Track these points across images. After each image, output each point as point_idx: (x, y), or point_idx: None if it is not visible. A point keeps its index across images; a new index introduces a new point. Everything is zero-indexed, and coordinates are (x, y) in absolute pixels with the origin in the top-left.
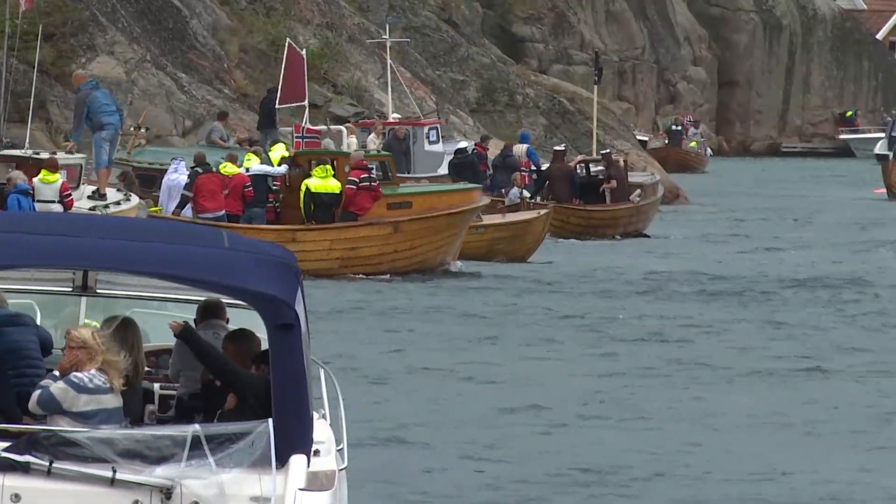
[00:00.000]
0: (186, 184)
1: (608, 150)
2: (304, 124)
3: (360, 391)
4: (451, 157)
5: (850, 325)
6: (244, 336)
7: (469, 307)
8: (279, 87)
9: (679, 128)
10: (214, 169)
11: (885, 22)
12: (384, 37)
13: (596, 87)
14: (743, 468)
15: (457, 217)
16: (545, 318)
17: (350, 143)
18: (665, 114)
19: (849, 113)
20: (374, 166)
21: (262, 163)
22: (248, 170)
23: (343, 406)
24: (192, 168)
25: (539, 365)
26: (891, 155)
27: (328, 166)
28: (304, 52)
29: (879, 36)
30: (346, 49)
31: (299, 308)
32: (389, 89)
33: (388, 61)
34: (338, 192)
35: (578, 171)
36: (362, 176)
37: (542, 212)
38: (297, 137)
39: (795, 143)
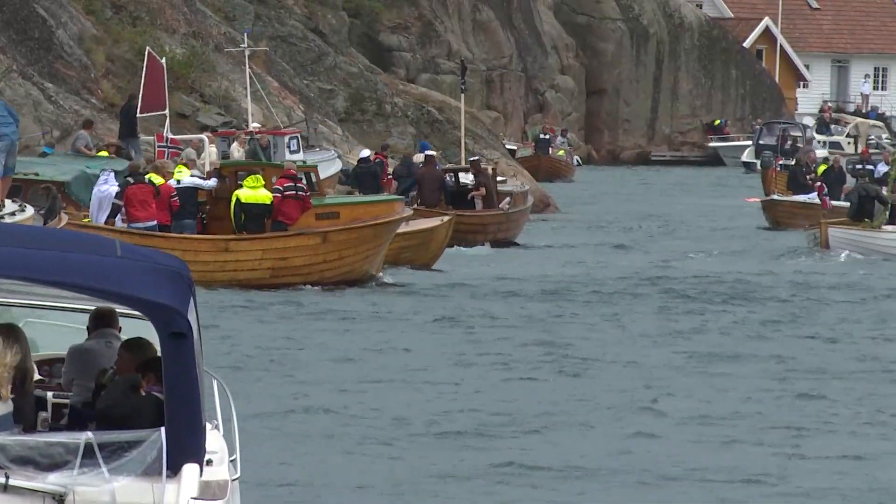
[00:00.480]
0: (118, 193)
1: (476, 158)
2: (166, 133)
3: (255, 401)
4: (354, 166)
5: (734, 329)
6: (139, 345)
7: (381, 315)
8: (139, 95)
9: (547, 136)
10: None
11: (751, 30)
12: (242, 46)
13: (463, 95)
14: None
15: (382, 228)
16: (455, 326)
17: (211, 152)
18: (534, 122)
19: (717, 121)
20: (302, 176)
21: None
22: (178, 182)
23: (236, 416)
24: (124, 178)
25: (443, 371)
26: (758, 163)
27: (259, 176)
28: (163, 60)
29: (746, 44)
30: (214, 58)
31: (192, 317)
32: (249, 99)
33: (248, 71)
34: (269, 202)
35: (448, 178)
36: (287, 185)
37: (445, 219)
38: (159, 147)
39: (665, 152)
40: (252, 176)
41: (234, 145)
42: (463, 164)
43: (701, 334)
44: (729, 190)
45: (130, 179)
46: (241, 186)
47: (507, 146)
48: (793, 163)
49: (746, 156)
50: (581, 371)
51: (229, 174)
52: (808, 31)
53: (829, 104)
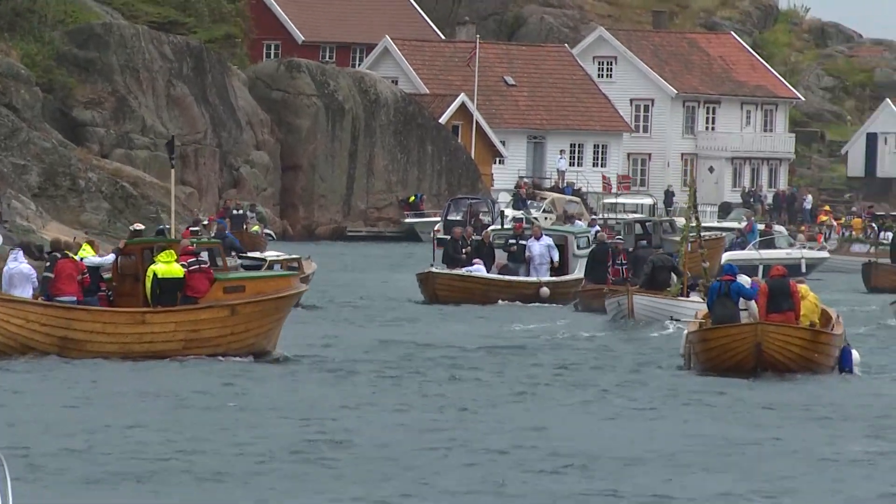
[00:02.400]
0: (48, 266)
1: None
2: None
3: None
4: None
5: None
6: None
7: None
8: None
9: (241, 212)
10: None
11: (447, 106)
12: None
13: (172, 171)
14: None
15: (284, 301)
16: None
17: None
18: (228, 198)
19: (412, 198)
20: (203, 252)
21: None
22: (83, 259)
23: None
24: (49, 253)
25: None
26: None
27: (172, 251)
28: None
29: (442, 120)
30: None
31: None
32: None
33: None
34: (181, 276)
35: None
36: (190, 260)
37: None
38: None
39: (360, 227)
40: (165, 251)
41: None
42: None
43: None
44: (417, 263)
45: (58, 254)
46: (153, 262)
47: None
48: (448, 238)
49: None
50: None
51: (135, 251)
52: (504, 107)
53: (526, 180)
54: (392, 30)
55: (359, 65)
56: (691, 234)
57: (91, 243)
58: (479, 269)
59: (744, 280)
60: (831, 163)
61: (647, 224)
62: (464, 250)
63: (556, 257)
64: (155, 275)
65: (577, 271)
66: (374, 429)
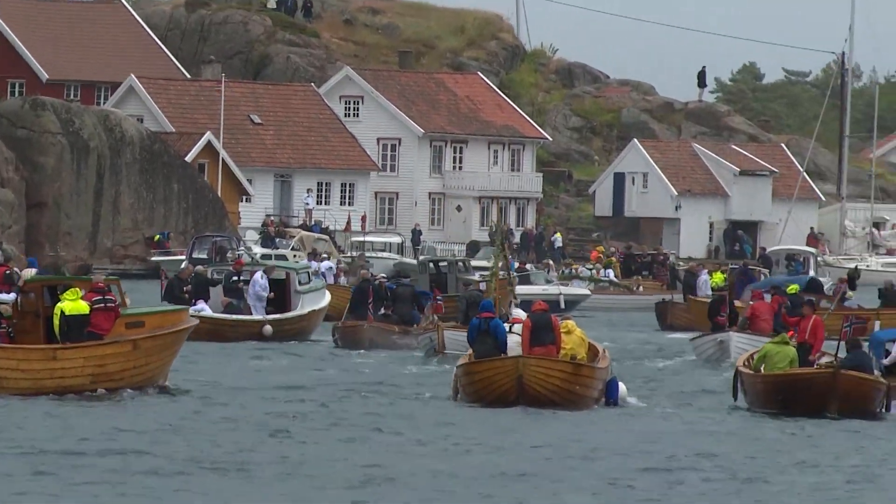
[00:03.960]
0: None
1: None
2: None
3: None
4: None
5: None
6: None
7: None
8: None
9: None
10: None
11: (193, 144)
12: None
13: None
14: None
15: (180, 335)
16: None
17: None
18: None
19: (157, 236)
20: (110, 287)
21: None
22: None
23: None
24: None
25: None
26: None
27: (77, 289)
28: None
29: (188, 158)
30: None
31: None
32: None
33: None
34: (87, 312)
35: None
36: (95, 298)
37: None
38: None
39: (107, 265)
40: (71, 289)
41: None
42: None
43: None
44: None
45: None
46: (58, 300)
47: None
48: (172, 277)
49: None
50: None
51: (34, 289)
52: (250, 145)
53: (273, 218)
54: (137, 68)
55: (104, 103)
56: (501, 272)
57: None
58: (204, 308)
59: (519, 314)
60: (579, 202)
61: (440, 264)
62: (185, 289)
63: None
64: (62, 312)
65: (299, 307)
66: None
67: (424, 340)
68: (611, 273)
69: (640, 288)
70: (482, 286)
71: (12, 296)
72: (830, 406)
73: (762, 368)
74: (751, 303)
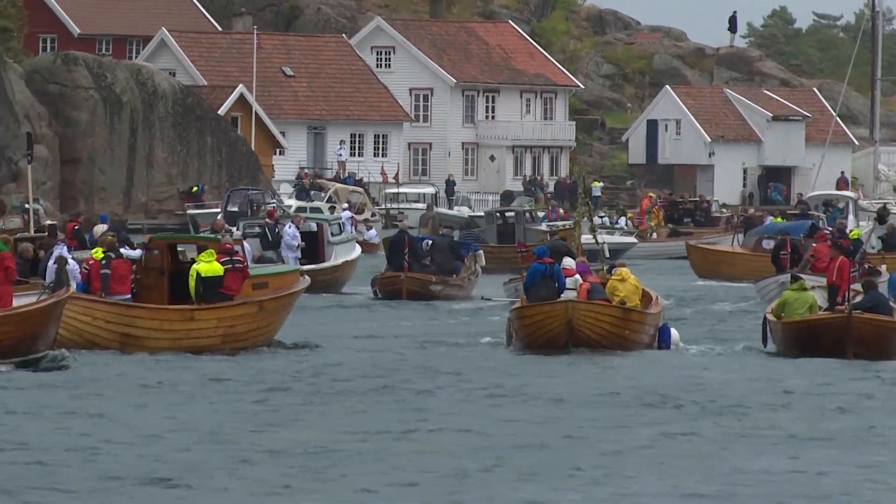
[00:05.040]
0: (104, 264)
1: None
2: None
3: None
4: None
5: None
6: None
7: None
8: None
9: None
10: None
11: (226, 97)
12: None
13: (30, 167)
14: None
15: (296, 295)
16: None
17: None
18: (7, 192)
19: (194, 188)
20: (239, 249)
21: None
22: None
23: None
24: (105, 252)
25: None
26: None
27: (212, 251)
28: None
29: (221, 111)
30: None
31: None
32: None
33: None
34: (221, 274)
35: None
36: (224, 259)
37: None
38: None
39: (142, 220)
40: (206, 251)
41: None
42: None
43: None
44: None
45: (112, 254)
46: (195, 261)
47: None
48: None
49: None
50: None
51: (159, 246)
52: (282, 98)
53: (307, 171)
54: (168, 22)
55: (136, 57)
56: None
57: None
58: None
59: (568, 262)
60: (612, 150)
61: (507, 214)
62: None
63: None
64: (198, 273)
65: (333, 258)
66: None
67: (510, 289)
68: (622, 221)
69: (654, 235)
70: (548, 238)
71: (138, 252)
72: (847, 349)
73: (783, 315)
74: (814, 245)
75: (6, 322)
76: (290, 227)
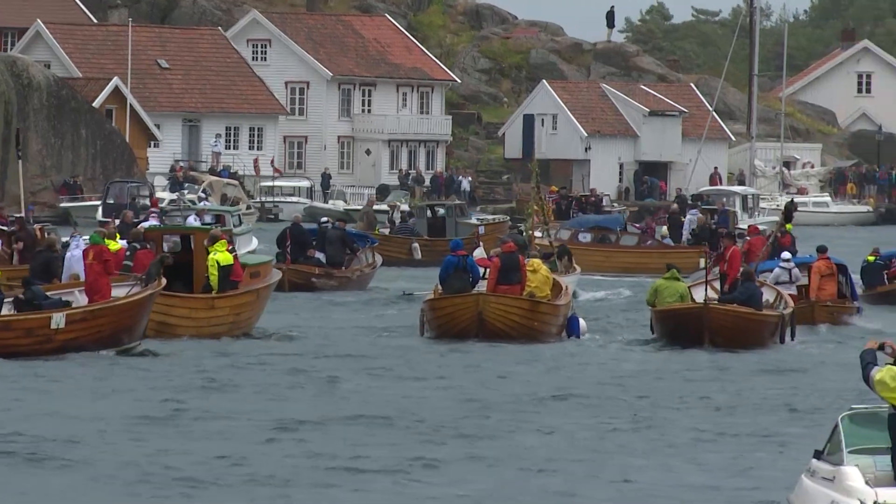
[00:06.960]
0: (128, 255)
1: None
2: None
3: None
4: None
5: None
6: None
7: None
8: None
9: None
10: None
11: (101, 90)
12: None
13: (20, 162)
14: None
15: (274, 284)
16: None
17: None
18: None
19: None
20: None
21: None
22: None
23: None
24: (129, 244)
25: None
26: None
27: (224, 241)
28: None
29: (96, 104)
30: None
31: None
32: None
33: None
34: (232, 263)
35: None
36: (228, 248)
37: None
38: None
39: (16, 212)
40: (221, 241)
41: None
42: None
43: None
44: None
45: (136, 245)
46: (209, 252)
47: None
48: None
49: (99, 214)
50: None
51: (155, 238)
52: (158, 90)
53: (181, 163)
54: (44, 14)
55: (10, 49)
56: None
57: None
58: None
59: (479, 253)
60: (489, 145)
61: (436, 209)
62: None
63: None
64: (218, 263)
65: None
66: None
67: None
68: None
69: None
70: (481, 230)
71: (138, 246)
72: (704, 338)
73: (655, 303)
74: (748, 238)
75: (106, 313)
76: (194, 219)
